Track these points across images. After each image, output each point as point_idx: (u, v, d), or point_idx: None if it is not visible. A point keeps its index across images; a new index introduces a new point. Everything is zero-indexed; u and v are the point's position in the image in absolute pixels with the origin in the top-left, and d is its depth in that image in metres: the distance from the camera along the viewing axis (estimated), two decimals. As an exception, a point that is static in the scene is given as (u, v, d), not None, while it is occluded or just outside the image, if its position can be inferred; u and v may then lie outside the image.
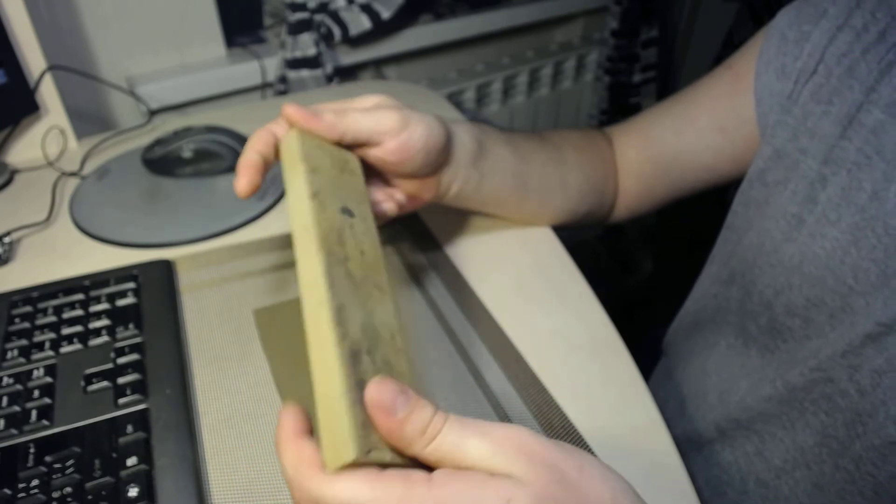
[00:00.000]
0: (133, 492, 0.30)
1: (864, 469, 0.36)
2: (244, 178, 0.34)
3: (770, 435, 0.42)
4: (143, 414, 0.34)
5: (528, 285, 0.45)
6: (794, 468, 0.40)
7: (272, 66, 0.85)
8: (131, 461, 0.31)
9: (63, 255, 0.48)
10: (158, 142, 0.56)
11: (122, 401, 0.35)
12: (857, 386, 0.35)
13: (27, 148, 0.59)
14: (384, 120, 0.35)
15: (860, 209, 0.35)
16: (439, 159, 0.39)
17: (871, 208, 0.35)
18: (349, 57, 0.93)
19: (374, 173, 0.39)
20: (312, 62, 0.83)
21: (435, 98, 0.74)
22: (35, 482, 0.30)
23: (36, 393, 0.35)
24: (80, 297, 0.41)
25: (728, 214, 0.47)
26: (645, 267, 1.44)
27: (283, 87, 0.85)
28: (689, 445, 0.49)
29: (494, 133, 0.45)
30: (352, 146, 0.36)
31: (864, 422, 0.35)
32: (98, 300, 0.41)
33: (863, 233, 0.35)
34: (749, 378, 0.44)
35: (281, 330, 0.40)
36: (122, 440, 0.32)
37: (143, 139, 0.62)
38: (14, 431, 0.33)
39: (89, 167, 0.58)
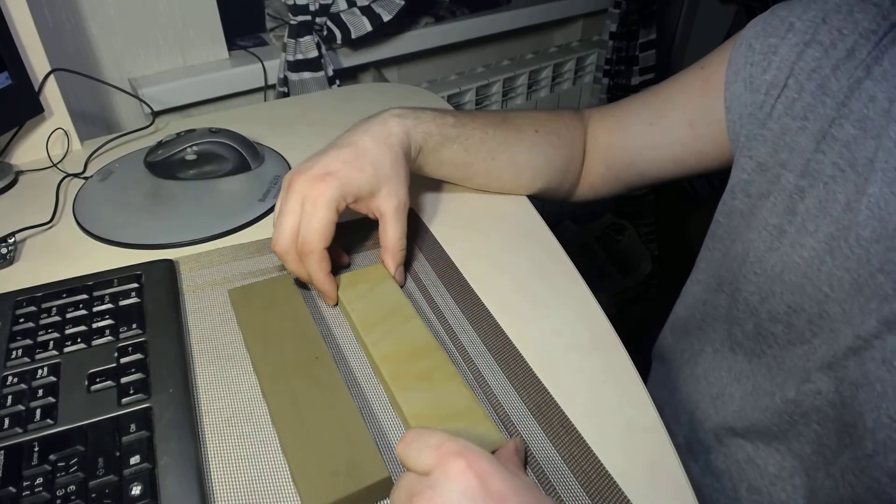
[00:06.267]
0: (136, 490, 0.30)
1: (846, 479, 0.36)
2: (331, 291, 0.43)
3: (764, 444, 0.42)
4: (146, 413, 0.34)
5: (527, 285, 0.46)
6: (791, 475, 0.41)
7: (274, 68, 0.86)
8: (134, 460, 0.32)
9: (67, 256, 0.48)
10: (161, 144, 0.56)
11: (125, 400, 0.35)
12: (840, 398, 0.36)
13: (31, 150, 0.60)
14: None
15: (835, 220, 0.36)
16: None
17: (845, 219, 0.36)
18: (350, 59, 0.94)
19: None
20: (314, 64, 0.84)
21: (435, 100, 0.75)
22: (39, 480, 0.30)
23: (40, 392, 0.35)
24: (83, 296, 0.41)
25: (711, 224, 0.48)
26: (643, 267, 1.44)
27: (284, 89, 0.86)
28: (687, 456, 0.49)
29: (447, 132, 0.49)
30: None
31: (849, 433, 0.36)
32: (101, 300, 0.41)
33: (837, 243, 0.36)
34: (740, 384, 0.45)
35: (255, 309, 0.42)
36: (125, 439, 0.33)
37: (146, 140, 0.63)
38: (18, 430, 0.33)
39: (92, 168, 0.59)
